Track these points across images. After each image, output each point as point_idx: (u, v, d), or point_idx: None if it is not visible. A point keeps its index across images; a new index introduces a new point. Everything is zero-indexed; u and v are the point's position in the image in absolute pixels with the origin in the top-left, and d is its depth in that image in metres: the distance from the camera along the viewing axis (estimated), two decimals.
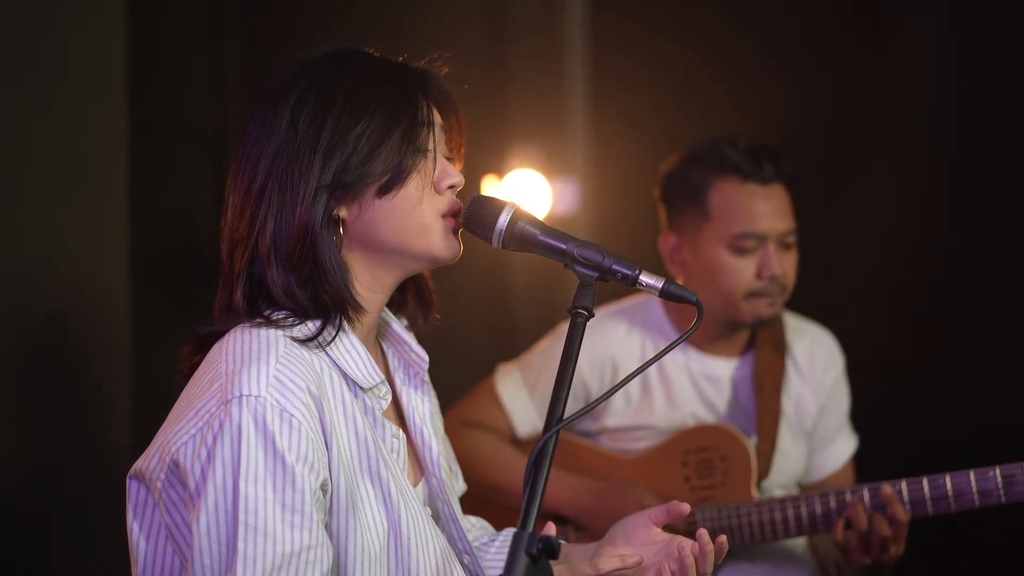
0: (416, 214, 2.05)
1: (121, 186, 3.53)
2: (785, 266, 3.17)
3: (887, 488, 2.92)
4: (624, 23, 4.41)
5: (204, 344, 2.06)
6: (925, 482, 2.92)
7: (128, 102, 3.54)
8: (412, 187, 2.05)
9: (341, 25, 4.11)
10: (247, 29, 4.08)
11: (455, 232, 2.09)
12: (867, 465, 3.38)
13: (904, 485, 2.94)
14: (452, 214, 2.08)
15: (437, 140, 2.10)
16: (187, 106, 3.96)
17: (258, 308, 2.04)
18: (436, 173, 2.08)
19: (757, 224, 3.15)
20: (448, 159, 2.14)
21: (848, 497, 2.98)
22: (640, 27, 4.33)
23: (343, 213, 2.04)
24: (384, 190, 2.03)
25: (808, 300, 3.29)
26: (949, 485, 2.90)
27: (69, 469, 3.41)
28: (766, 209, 3.16)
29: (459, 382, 3.38)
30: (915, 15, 4.00)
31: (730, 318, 3.21)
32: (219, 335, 2.04)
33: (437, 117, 2.11)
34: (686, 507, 2.15)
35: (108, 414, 3.52)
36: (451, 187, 2.09)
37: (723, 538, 2.10)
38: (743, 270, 3.15)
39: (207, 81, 4.03)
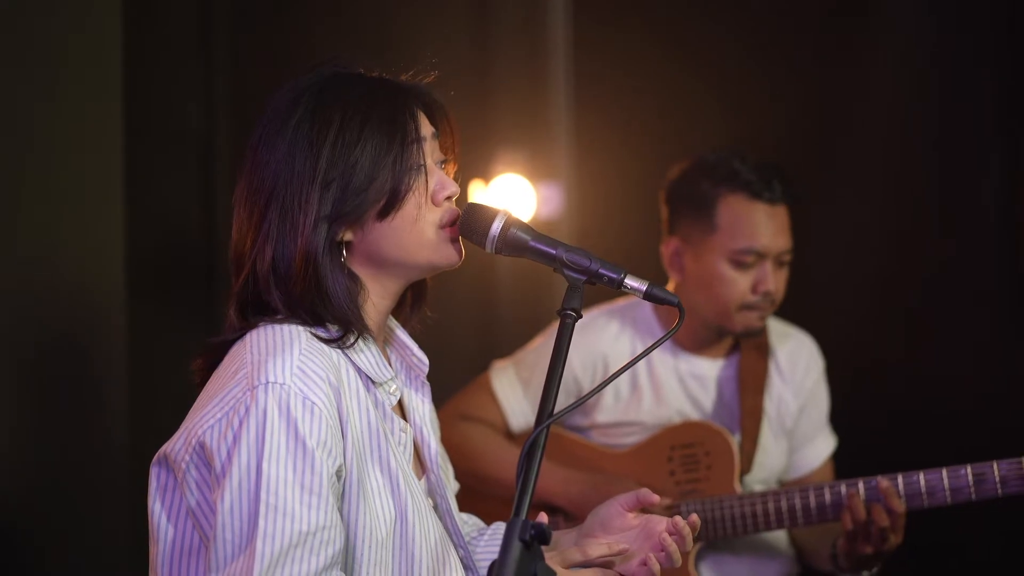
0: (416, 230, 2.11)
1: (116, 188, 3.54)
2: (778, 283, 3.27)
3: (884, 482, 3.00)
4: (606, 30, 4.42)
5: (216, 353, 2.12)
6: (900, 478, 3.01)
7: (123, 105, 3.55)
8: (410, 206, 2.11)
9: (328, 32, 4.12)
10: (236, 35, 4.11)
11: (456, 240, 2.15)
12: (867, 467, 3.40)
13: (894, 479, 3.02)
14: (451, 223, 2.14)
15: (430, 151, 2.15)
16: (179, 109, 3.97)
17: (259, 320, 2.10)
18: (432, 186, 2.13)
19: (760, 241, 3.23)
20: (444, 161, 2.19)
21: (844, 490, 3.05)
22: (622, 33, 4.34)
23: (347, 236, 2.11)
24: (383, 213, 2.10)
25: (806, 302, 3.33)
26: (922, 482, 2.99)
27: (66, 468, 3.42)
28: (770, 228, 3.24)
29: (449, 380, 3.41)
30: (905, 16, 4.02)
31: (721, 326, 3.29)
32: (228, 344, 2.11)
33: (428, 128, 2.16)
34: (656, 497, 2.22)
35: (105, 414, 3.53)
36: (448, 198, 2.15)
37: (694, 516, 2.19)
38: (740, 283, 3.24)
39: (197, 85, 4.05)
